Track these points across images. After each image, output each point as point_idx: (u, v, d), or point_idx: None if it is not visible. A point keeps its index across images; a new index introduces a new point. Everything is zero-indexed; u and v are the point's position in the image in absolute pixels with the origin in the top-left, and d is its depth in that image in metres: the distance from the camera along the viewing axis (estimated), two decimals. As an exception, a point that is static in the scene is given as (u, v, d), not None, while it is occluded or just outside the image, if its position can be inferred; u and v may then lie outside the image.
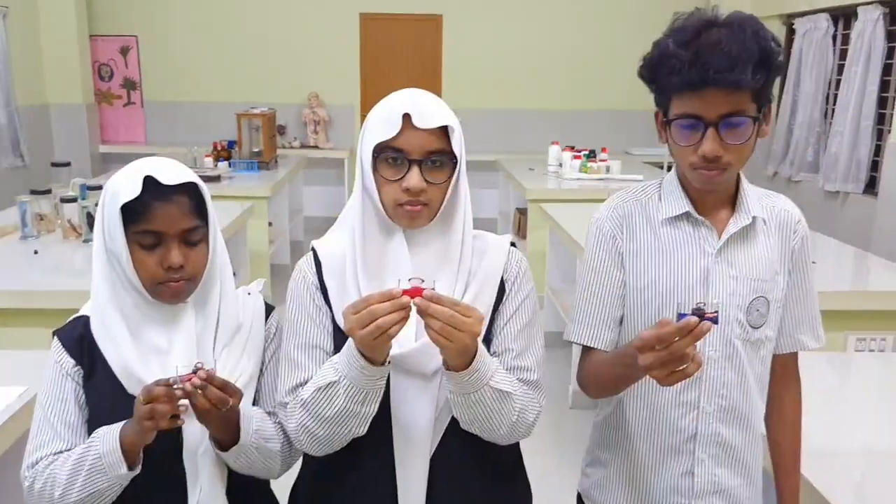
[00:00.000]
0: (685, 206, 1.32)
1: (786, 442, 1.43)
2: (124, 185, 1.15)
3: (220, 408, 1.08)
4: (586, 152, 5.26)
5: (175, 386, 1.06)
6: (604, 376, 1.35)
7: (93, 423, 1.18)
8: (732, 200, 1.34)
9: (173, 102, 7.13)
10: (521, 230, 5.24)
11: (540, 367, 1.28)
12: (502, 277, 1.28)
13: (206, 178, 4.58)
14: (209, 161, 5.00)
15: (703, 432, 1.34)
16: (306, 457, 1.29)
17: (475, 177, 7.48)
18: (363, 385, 1.11)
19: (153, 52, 7.06)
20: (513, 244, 1.33)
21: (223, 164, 5.00)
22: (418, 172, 1.16)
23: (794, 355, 1.43)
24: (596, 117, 7.26)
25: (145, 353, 1.18)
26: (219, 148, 5.22)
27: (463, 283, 1.23)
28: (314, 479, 1.30)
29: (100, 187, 3.51)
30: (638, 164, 5.85)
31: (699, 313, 1.03)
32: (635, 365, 1.08)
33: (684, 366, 1.06)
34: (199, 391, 1.07)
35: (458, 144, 1.19)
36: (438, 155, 1.18)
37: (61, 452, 1.17)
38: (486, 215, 6.87)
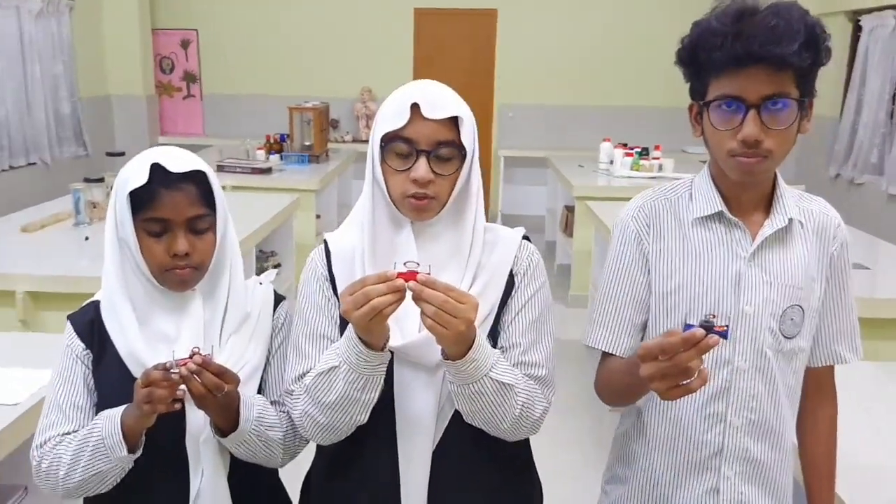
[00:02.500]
0: (718, 205, 1.25)
1: (819, 460, 1.34)
2: (133, 172, 1.16)
3: (215, 393, 1.09)
4: (639, 150, 5.15)
5: (172, 370, 1.07)
6: (615, 384, 1.30)
7: (101, 406, 1.20)
8: (768, 201, 1.27)
9: (231, 95, 7.27)
10: (568, 228, 5.17)
11: (549, 363, 1.25)
12: (511, 270, 1.25)
13: (257, 171, 4.69)
14: (261, 153, 5.08)
15: (729, 447, 1.26)
16: (319, 446, 1.29)
17: (524, 173, 7.53)
18: (362, 370, 1.11)
19: (212, 45, 7.22)
20: (526, 237, 1.30)
21: (275, 157, 5.07)
22: (426, 163, 1.15)
23: (830, 369, 1.35)
24: (651, 114, 7.11)
25: (153, 339, 1.20)
26: (271, 140, 5.30)
27: (471, 275, 1.21)
28: (324, 469, 1.30)
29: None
30: (694, 162, 5.70)
31: (707, 326, 0.97)
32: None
33: (688, 380, 1.00)
34: (195, 376, 1.07)
35: (468, 136, 1.17)
36: (447, 146, 1.15)
37: (68, 434, 1.19)
38: (534, 213, 6.82)
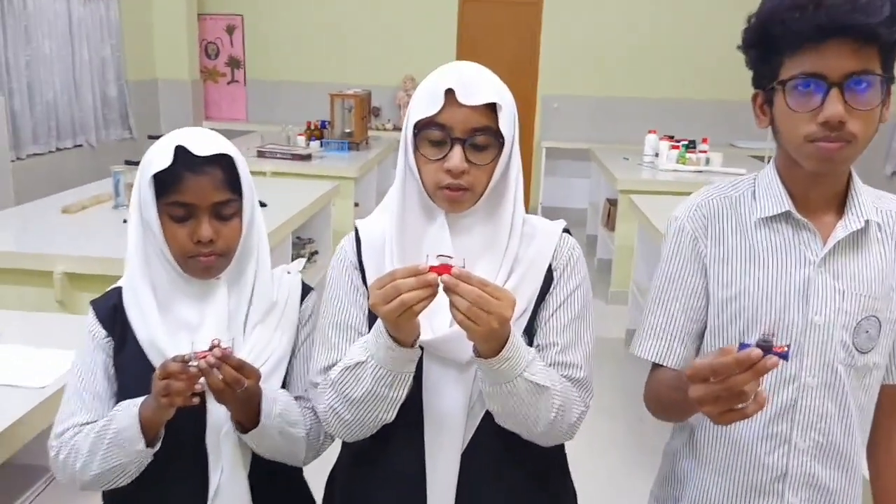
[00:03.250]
0: (785, 204, 1.15)
1: (894, 490, 1.24)
2: (157, 154, 1.12)
3: (234, 388, 1.04)
4: (685, 143, 5.01)
5: (190, 363, 1.02)
6: (663, 398, 1.22)
7: (121, 396, 1.17)
8: (841, 200, 1.16)
9: (274, 81, 7.29)
10: (610, 222, 5.06)
11: (588, 364, 1.18)
12: (550, 265, 1.18)
13: (298, 157, 4.67)
14: (302, 140, 5.07)
15: (794, 471, 1.17)
16: (344, 441, 1.24)
17: (566, 166, 7.41)
18: (390, 366, 1.05)
19: (257, 31, 7.23)
20: (566, 230, 1.23)
21: (315, 144, 5.05)
22: (460, 152, 1.08)
23: None
24: (698, 107, 6.93)
25: (174, 327, 1.16)
26: (312, 127, 5.28)
27: (507, 269, 1.15)
28: (349, 467, 1.25)
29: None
30: (743, 157, 5.53)
31: (765, 345, 0.88)
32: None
33: (742, 405, 0.91)
34: (214, 369, 1.03)
35: (506, 123, 1.10)
36: (483, 133, 1.09)
37: (87, 423, 1.16)
38: (576, 206, 6.71)
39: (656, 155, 5.00)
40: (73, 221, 3.08)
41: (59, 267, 2.59)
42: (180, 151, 1.11)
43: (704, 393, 0.91)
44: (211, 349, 1.04)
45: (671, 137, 5.17)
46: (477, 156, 1.10)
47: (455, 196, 1.11)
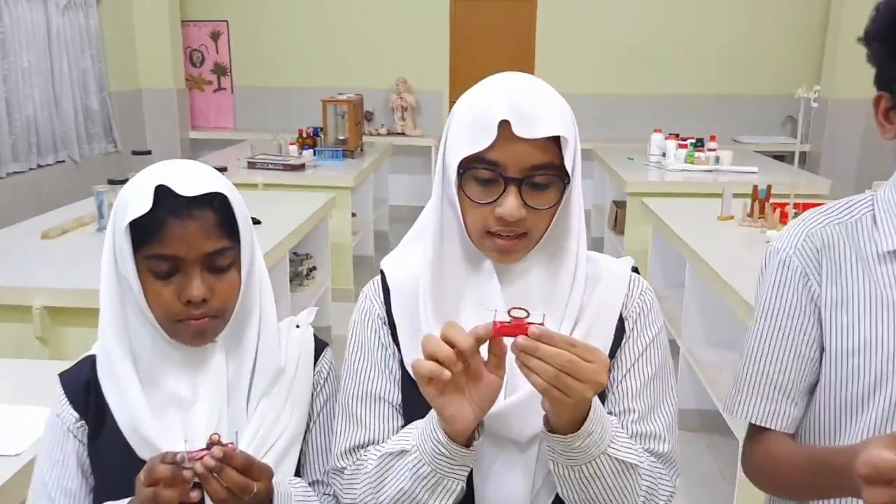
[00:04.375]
0: None
1: None
2: (133, 197, 0.92)
3: (241, 496, 0.84)
4: (693, 141, 4.82)
5: (184, 466, 0.82)
6: (786, 477, 1.02)
7: (100, 493, 0.96)
8: None
9: (263, 88, 7.07)
10: (617, 225, 4.87)
11: (672, 434, 0.99)
12: (621, 314, 0.99)
13: (290, 167, 4.47)
14: (294, 149, 4.86)
15: None
16: None
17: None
18: (435, 465, 0.85)
19: (243, 37, 7.01)
20: (635, 269, 1.04)
21: (308, 153, 4.84)
22: (517, 196, 0.89)
23: None
24: (701, 102, 6.76)
25: (162, 405, 0.96)
26: (304, 135, 5.08)
27: (570, 322, 0.95)
28: None
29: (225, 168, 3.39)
30: (748, 154, 5.36)
31: None
32: (849, 487, 0.76)
33: None
34: (215, 474, 0.83)
35: (571, 158, 0.90)
36: (545, 171, 0.90)
37: None
38: (579, 207, 6.50)
39: (663, 155, 4.81)
40: (53, 248, 2.86)
41: (37, 300, 2.38)
42: (162, 192, 0.91)
43: (888, 500, 0.71)
44: (209, 447, 0.83)
45: (677, 136, 4.98)
46: (536, 197, 0.91)
47: (508, 246, 0.92)
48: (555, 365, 0.79)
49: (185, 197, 0.92)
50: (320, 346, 1.09)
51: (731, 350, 3.01)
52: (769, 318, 1.04)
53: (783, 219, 3.14)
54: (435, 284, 0.95)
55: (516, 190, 0.89)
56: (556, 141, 0.91)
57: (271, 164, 4.53)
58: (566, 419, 0.84)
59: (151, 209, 0.90)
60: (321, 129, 5.07)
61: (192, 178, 0.93)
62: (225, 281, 0.96)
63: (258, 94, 7.09)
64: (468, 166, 0.91)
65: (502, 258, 0.94)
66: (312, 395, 1.06)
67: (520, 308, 0.81)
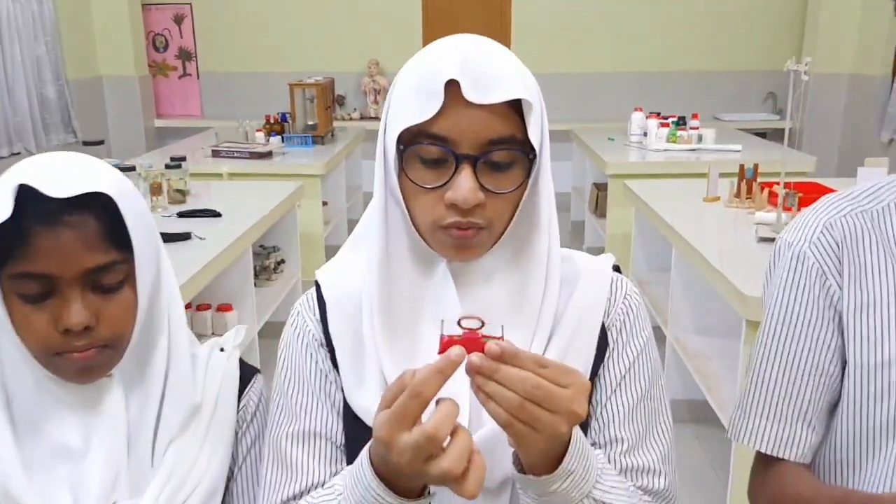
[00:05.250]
0: None
1: None
2: None
3: None
4: (674, 119, 4.67)
5: None
6: None
7: None
8: None
9: (230, 73, 6.81)
10: (598, 209, 4.72)
11: (669, 466, 0.83)
12: (603, 324, 0.82)
13: (257, 155, 4.26)
14: (261, 136, 4.65)
15: None
16: None
17: (547, 148, 6.96)
18: None
19: (209, 20, 6.74)
20: (616, 268, 0.87)
21: (275, 139, 4.64)
22: (471, 177, 0.72)
23: None
24: (680, 80, 6.60)
25: (46, 458, 0.78)
26: (271, 121, 4.86)
27: (544, 335, 0.79)
28: None
29: (133, 168, 3.19)
30: (731, 132, 5.22)
31: None
32: None
33: None
34: None
35: (538, 129, 0.74)
36: (505, 146, 0.73)
37: None
38: (559, 189, 6.30)
39: (644, 134, 4.66)
40: None
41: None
42: (26, 194, 0.73)
43: None
44: None
45: (658, 114, 4.83)
46: (496, 179, 0.74)
47: (465, 238, 0.74)
48: (519, 392, 0.62)
49: (57, 200, 0.74)
50: (248, 374, 0.92)
51: (720, 337, 2.88)
52: (780, 325, 0.89)
53: (772, 199, 3.00)
54: (382, 296, 0.78)
55: (470, 170, 0.73)
56: (517, 109, 0.74)
57: (236, 152, 4.33)
58: (537, 458, 0.68)
59: (12, 216, 0.72)
60: (289, 115, 4.86)
61: (65, 175, 0.75)
62: (115, 302, 0.78)
63: (225, 80, 6.83)
64: (411, 142, 0.74)
65: (459, 255, 0.77)
66: (237, 434, 0.88)
67: (472, 317, 0.64)
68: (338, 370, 0.81)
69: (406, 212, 0.77)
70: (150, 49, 6.73)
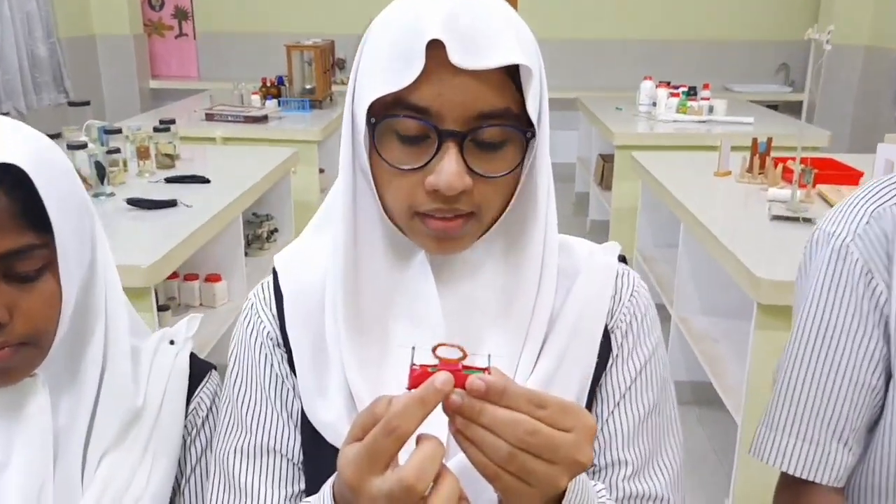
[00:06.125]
0: None
1: None
2: None
3: None
4: (685, 89, 4.51)
5: None
6: None
7: None
8: None
9: (227, 33, 6.63)
10: (604, 181, 4.59)
11: (677, 491, 0.72)
12: (606, 326, 0.71)
13: (252, 119, 4.12)
14: (256, 99, 4.51)
15: None
16: None
17: (551, 117, 6.84)
18: None
19: (206, -22, 6.54)
20: (622, 259, 0.76)
21: (271, 103, 4.49)
22: (458, 158, 0.60)
23: None
24: (691, 48, 6.41)
25: None
26: (268, 84, 4.71)
27: (537, 340, 0.67)
28: None
29: (120, 130, 3.07)
30: (742, 103, 5.06)
31: None
32: None
33: None
34: None
35: (535, 100, 0.62)
36: (499, 121, 0.61)
37: None
38: (563, 160, 6.20)
39: (653, 104, 4.51)
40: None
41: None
42: None
43: None
44: None
45: (668, 84, 4.67)
46: (487, 161, 0.62)
47: (449, 228, 0.63)
48: (510, 439, 0.51)
49: None
50: (200, 372, 0.81)
51: (728, 319, 2.77)
52: (816, 330, 0.77)
53: (786, 175, 2.88)
54: (348, 291, 0.66)
55: (456, 149, 0.61)
56: (514, 77, 0.62)
57: (231, 115, 4.18)
58: None
59: None
60: (286, 78, 4.71)
61: None
62: (34, 293, 0.67)
63: (223, 41, 6.65)
64: (385, 114, 0.61)
65: (440, 247, 0.65)
66: (185, 442, 0.78)
67: (451, 346, 0.52)
68: (295, 372, 0.70)
69: (378, 197, 0.65)
70: (145, 7, 6.54)
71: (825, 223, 0.79)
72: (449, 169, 0.60)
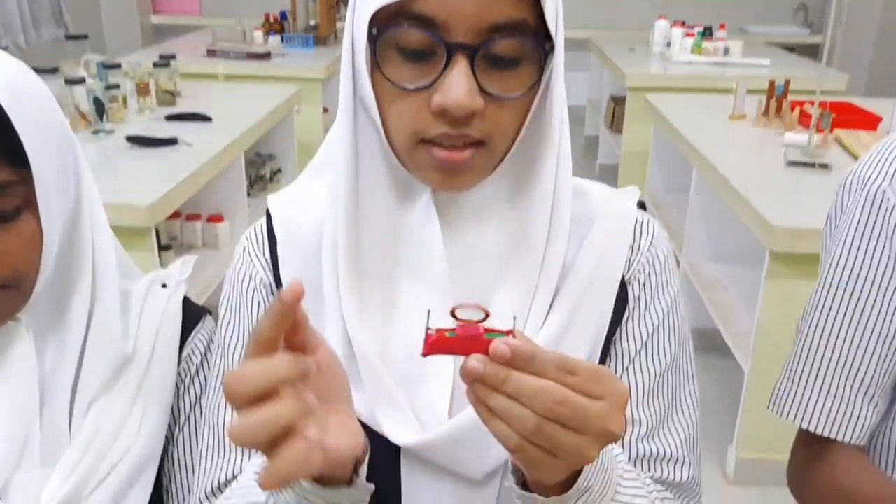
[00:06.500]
0: None
1: None
2: None
3: None
4: (700, 30, 4.37)
5: None
6: None
7: None
8: None
9: (230, -33, 6.43)
10: (615, 124, 4.50)
11: (693, 452, 0.68)
12: (623, 277, 0.67)
13: (254, 56, 4.03)
14: (259, 35, 4.39)
15: None
16: None
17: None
18: None
19: None
20: (641, 205, 0.71)
21: (274, 39, 4.38)
22: (468, 74, 0.54)
23: None
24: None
25: None
26: (271, 20, 4.58)
27: (548, 290, 0.63)
28: None
29: (119, 66, 2.99)
30: (759, 45, 4.91)
31: None
32: None
33: None
34: None
35: (553, 11, 0.56)
36: (513, 34, 0.55)
37: None
38: (574, 102, 6.06)
39: (668, 45, 4.37)
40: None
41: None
42: None
43: None
44: None
45: (683, 23, 4.53)
46: (500, 79, 0.56)
47: (456, 159, 0.57)
48: (537, 409, 0.46)
49: None
50: (194, 317, 0.77)
51: (738, 266, 2.73)
52: (845, 280, 0.73)
53: (803, 119, 2.79)
54: (348, 236, 0.62)
55: (466, 64, 0.55)
56: None
57: (233, 52, 4.09)
58: (556, 479, 0.53)
59: None
60: (289, 14, 4.58)
61: None
62: (12, 233, 0.62)
63: (226, -25, 6.46)
64: (386, 28, 0.56)
65: (447, 181, 0.60)
66: (178, 390, 0.74)
67: (471, 306, 0.48)
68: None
69: (380, 124, 0.60)
70: (145, -61, 6.34)
71: (860, 167, 0.74)
72: (458, 86, 0.54)
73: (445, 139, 0.57)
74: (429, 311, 0.48)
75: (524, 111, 0.60)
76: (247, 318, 0.68)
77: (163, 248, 2.54)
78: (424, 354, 0.47)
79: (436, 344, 0.46)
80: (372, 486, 0.57)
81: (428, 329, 0.47)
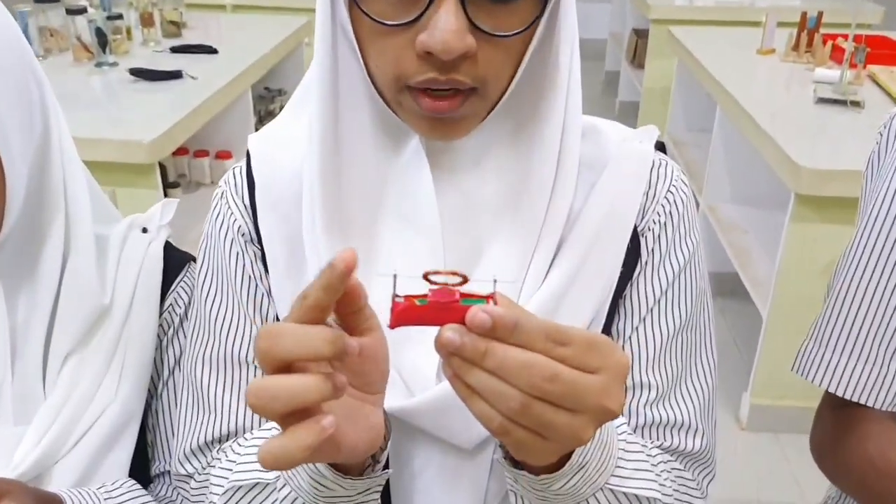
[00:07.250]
0: None
1: None
2: None
3: None
4: (729, -41, 4.17)
5: None
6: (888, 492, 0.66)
7: None
8: None
9: None
10: (637, 58, 4.35)
11: (707, 419, 0.63)
12: (635, 227, 0.60)
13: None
14: (269, -37, 4.24)
15: None
16: None
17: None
18: (320, 499, 0.51)
19: None
20: (660, 146, 0.64)
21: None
22: (457, 9, 0.47)
23: None
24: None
25: None
26: (281, -53, 4.42)
27: (549, 247, 0.57)
28: None
29: (123, -6, 2.89)
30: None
31: None
32: None
33: None
34: None
35: None
36: None
37: None
38: (594, 35, 5.88)
39: (694, -26, 4.18)
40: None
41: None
42: None
43: None
44: None
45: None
46: (495, 15, 0.49)
47: (443, 109, 0.51)
48: (523, 387, 0.40)
49: None
50: (178, 264, 0.72)
51: (759, 208, 2.65)
52: (882, 234, 0.66)
53: (835, 54, 2.66)
54: (326, 182, 0.56)
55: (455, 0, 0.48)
56: None
57: (241, -20, 3.95)
58: (547, 461, 0.48)
59: None
60: (300, -60, 4.41)
61: None
62: None
63: None
64: None
65: (436, 131, 0.53)
66: (161, 342, 0.70)
67: (446, 272, 0.42)
68: (268, 271, 0.61)
69: (363, 66, 0.53)
70: None
71: None
72: (446, 24, 0.47)
73: (432, 85, 0.50)
74: (395, 276, 0.42)
75: (522, 50, 0.53)
76: (225, 270, 0.63)
77: (171, 185, 2.50)
78: (392, 326, 0.41)
79: (404, 313, 0.41)
80: (389, 471, 0.53)
81: (395, 296, 0.41)
